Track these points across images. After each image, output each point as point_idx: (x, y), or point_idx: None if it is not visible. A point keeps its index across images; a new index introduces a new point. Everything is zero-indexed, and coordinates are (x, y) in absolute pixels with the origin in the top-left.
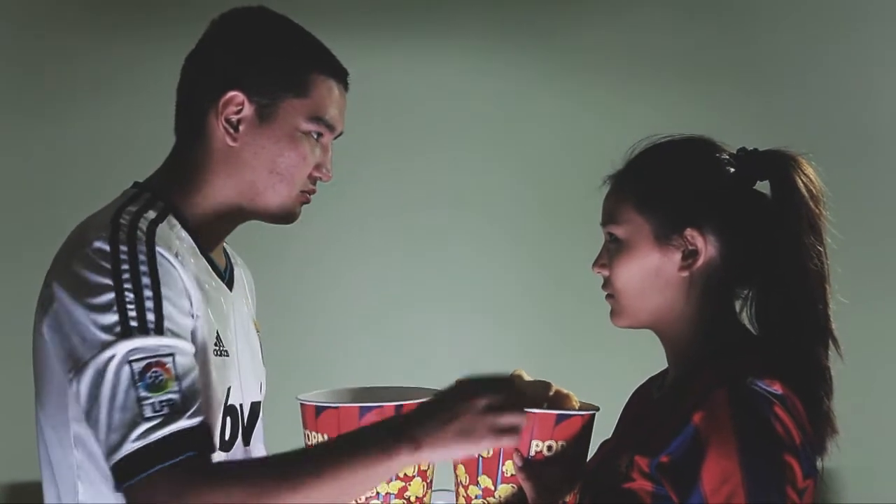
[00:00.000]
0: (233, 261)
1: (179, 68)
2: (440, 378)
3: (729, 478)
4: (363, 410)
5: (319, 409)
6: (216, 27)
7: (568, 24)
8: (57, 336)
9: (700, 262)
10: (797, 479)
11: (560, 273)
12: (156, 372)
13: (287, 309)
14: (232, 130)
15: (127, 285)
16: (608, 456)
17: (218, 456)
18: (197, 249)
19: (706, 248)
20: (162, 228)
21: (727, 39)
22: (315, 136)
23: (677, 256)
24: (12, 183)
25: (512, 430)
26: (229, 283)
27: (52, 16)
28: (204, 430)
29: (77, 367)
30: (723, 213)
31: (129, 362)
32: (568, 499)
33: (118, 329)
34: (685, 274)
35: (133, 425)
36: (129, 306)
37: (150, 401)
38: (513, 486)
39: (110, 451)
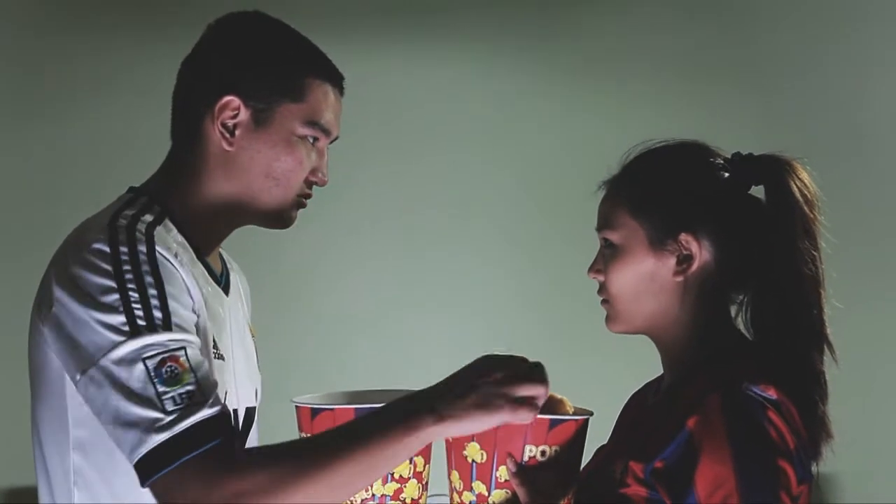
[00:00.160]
0: (229, 266)
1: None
2: (436, 381)
3: (723, 483)
4: (359, 412)
5: (315, 412)
6: (212, 32)
7: (566, 26)
8: (58, 338)
9: (694, 266)
10: (791, 485)
11: (557, 277)
12: (171, 366)
13: (283, 313)
14: (228, 135)
15: (130, 285)
16: (603, 461)
17: None
18: (193, 254)
19: (701, 252)
20: (159, 231)
21: (727, 40)
22: (311, 141)
23: (672, 261)
24: (12, 183)
25: (530, 401)
26: (225, 288)
27: (52, 16)
28: (225, 417)
29: (84, 368)
30: (717, 218)
31: (143, 359)
32: None
33: (126, 328)
34: (680, 279)
35: (155, 419)
36: (134, 305)
37: (170, 394)
38: (507, 492)
39: (133, 447)
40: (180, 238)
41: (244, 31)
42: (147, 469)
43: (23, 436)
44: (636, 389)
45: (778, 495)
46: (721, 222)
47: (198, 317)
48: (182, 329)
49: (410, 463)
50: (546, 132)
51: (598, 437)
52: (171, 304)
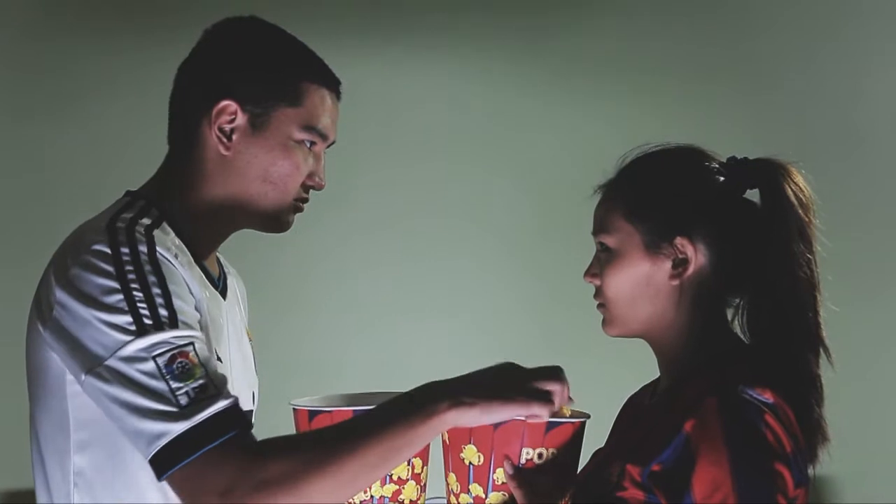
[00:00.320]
0: (226, 270)
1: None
2: None
3: (720, 486)
4: (357, 414)
5: (312, 414)
6: (209, 37)
7: (564, 29)
8: (61, 340)
9: (690, 270)
10: (788, 488)
11: (555, 281)
12: (182, 362)
13: (281, 316)
14: (225, 139)
15: (134, 285)
16: (600, 464)
17: None
18: (191, 258)
19: (696, 256)
20: (158, 233)
21: (724, 41)
22: (308, 145)
23: (667, 265)
24: (12, 183)
25: (545, 396)
26: (223, 292)
27: (52, 18)
28: (239, 409)
29: (91, 367)
30: (713, 222)
31: (153, 357)
32: None
33: (133, 328)
34: (675, 283)
35: (171, 412)
36: (139, 305)
37: (183, 389)
38: (504, 494)
39: (150, 440)
40: (178, 241)
41: (241, 36)
42: (165, 462)
43: (21, 438)
44: (633, 392)
45: (775, 498)
46: (716, 226)
47: (200, 315)
48: (188, 326)
49: (408, 464)
50: (544, 137)
51: (595, 439)
52: (176, 302)
